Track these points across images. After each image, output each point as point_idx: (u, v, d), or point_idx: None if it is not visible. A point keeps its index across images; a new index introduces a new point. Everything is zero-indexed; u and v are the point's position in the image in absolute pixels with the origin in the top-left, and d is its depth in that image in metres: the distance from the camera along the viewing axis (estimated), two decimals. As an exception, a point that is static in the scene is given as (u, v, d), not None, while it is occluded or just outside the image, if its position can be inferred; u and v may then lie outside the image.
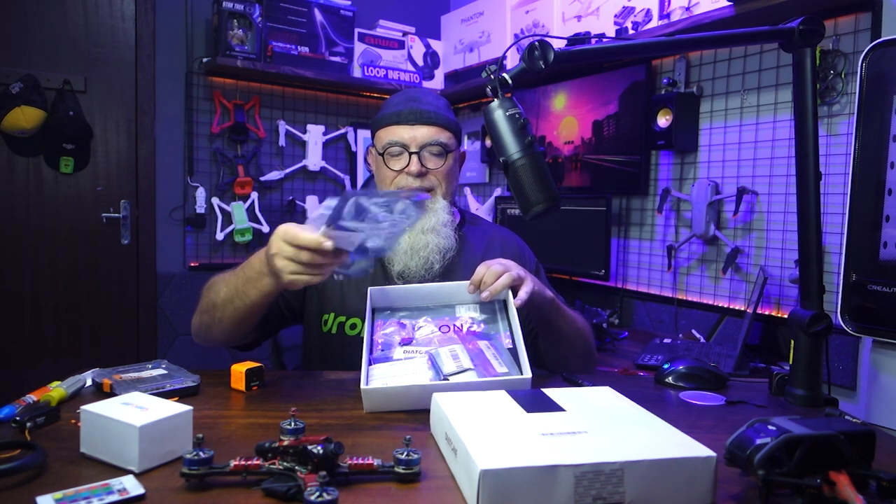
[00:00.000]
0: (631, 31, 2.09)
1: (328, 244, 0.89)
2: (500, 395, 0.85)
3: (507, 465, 0.62)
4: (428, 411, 0.87)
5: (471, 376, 0.96)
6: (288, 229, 0.91)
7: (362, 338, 1.24)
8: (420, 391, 0.92)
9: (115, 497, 0.62)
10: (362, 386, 0.93)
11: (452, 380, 0.95)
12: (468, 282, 1.11)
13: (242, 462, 0.67)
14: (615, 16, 2.15)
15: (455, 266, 1.29)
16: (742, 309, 1.90)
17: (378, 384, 0.95)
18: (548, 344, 1.24)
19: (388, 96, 3.17)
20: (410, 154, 1.27)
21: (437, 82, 3.04)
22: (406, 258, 1.24)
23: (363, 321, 1.23)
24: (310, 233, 0.90)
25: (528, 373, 0.97)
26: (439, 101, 1.34)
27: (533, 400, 0.83)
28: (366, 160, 1.42)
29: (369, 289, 1.13)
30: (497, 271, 1.08)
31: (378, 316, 1.14)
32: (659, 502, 0.65)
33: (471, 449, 0.66)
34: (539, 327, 1.22)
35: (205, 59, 2.72)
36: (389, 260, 1.26)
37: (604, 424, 0.75)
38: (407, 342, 1.06)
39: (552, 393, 0.86)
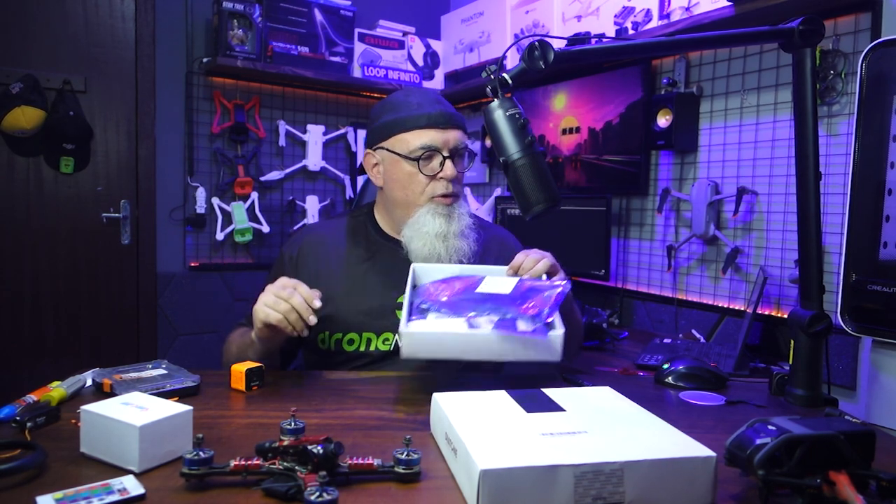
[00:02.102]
0: (631, 31, 2.09)
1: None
2: (500, 395, 0.85)
3: (506, 465, 0.62)
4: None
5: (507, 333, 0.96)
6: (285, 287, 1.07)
7: (361, 351, 1.25)
8: (457, 339, 0.94)
9: (115, 497, 0.62)
10: (402, 329, 0.94)
11: (493, 332, 0.95)
12: (506, 266, 1.16)
13: (242, 462, 0.67)
14: (615, 16, 2.15)
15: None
16: (742, 309, 1.90)
17: (417, 329, 0.97)
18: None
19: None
20: (445, 158, 1.24)
21: (437, 82, 3.04)
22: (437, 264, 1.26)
23: (360, 336, 1.25)
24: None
25: (560, 328, 0.96)
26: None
27: (533, 400, 0.83)
28: (361, 165, 1.36)
29: (413, 265, 1.19)
30: (536, 258, 1.13)
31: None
32: (659, 502, 0.65)
33: (471, 449, 0.66)
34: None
35: (205, 59, 2.72)
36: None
37: (604, 424, 0.75)
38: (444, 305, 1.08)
39: (552, 393, 0.86)
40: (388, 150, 1.27)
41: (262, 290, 1.09)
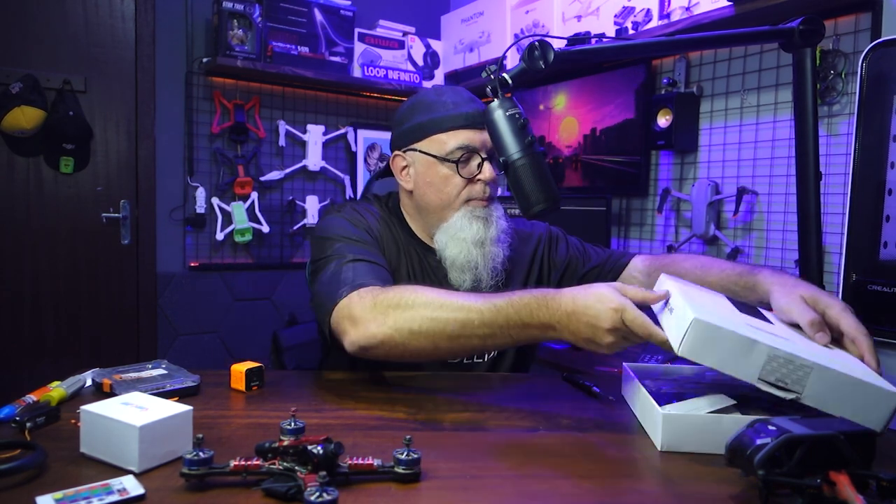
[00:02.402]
0: (631, 31, 2.09)
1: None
2: (720, 297, 0.92)
3: (715, 323, 0.73)
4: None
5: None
6: (634, 318, 0.84)
7: None
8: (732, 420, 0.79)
9: (115, 497, 0.62)
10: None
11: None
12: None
13: (242, 462, 0.67)
14: (615, 16, 2.15)
15: (511, 272, 1.26)
16: (742, 309, 1.90)
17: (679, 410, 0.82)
18: None
19: (388, 97, 3.21)
20: (483, 160, 1.17)
21: (437, 82, 3.04)
22: (479, 272, 1.18)
23: None
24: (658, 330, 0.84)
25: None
26: None
27: (748, 308, 0.90)
28: (389, 167, 1.27)
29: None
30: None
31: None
32: (830, 410, 0.73)
33: (689, 304, 0.76)
34: None
35: (205, 59, 2.72)
36: (460, 277, 1.19)
37: (807, 341, 0.83)
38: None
39: (765, 312, 0.93)
40: (421, 151, 1.20)
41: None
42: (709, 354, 0.74)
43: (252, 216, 2.85)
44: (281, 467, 0.67)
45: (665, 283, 0.90)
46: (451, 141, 1.17)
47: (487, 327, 0.92)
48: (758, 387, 0.74)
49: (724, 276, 1.11)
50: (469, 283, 1.18)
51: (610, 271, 1.30)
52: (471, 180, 1.18)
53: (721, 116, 1.96)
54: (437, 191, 1.19)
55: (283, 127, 2.90)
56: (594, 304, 0.86)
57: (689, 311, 0.76)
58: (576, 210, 2.21)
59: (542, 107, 2.62)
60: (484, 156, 1.18)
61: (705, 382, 0.98)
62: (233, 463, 0.67)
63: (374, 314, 0.96)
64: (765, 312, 0.93)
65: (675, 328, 0.78)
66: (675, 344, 0.77)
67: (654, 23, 2.02)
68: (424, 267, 1.23)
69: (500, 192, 1.27)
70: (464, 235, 1.17)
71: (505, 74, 1.01)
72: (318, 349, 1.44)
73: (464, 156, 1.17)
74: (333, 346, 1.09)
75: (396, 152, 1.25)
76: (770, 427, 0.67)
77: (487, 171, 1.17)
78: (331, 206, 1.24)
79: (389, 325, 0.94)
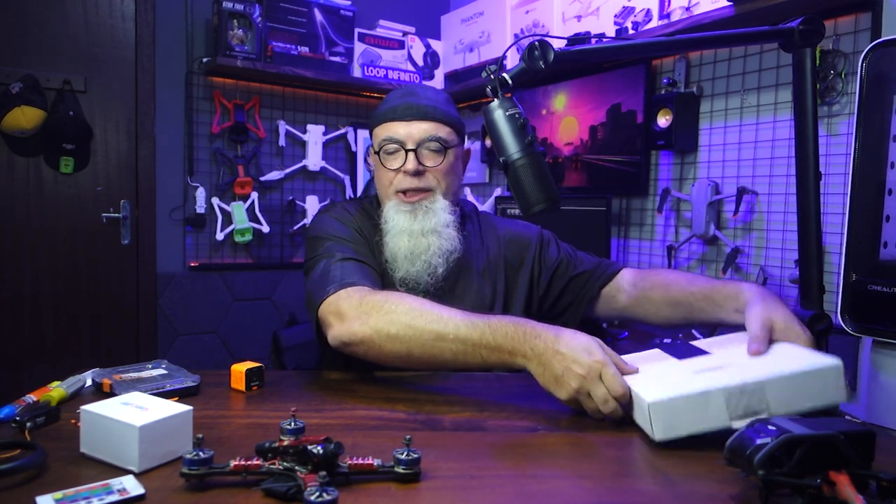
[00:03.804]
0: (631, 31, 2.09)
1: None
2: (656, 352, 0.99)
3: (668, 396, 0.79)
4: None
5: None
6: (614, 374, 0.85)
7: None
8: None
9: (115, 497, 0.62)
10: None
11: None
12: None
13: (242, 462, 0.67)
14: (615, 16, 2.15)
15: (460, 267, 1.26)
16: (742, 309, 1.89)
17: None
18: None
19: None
20: (407, 151, 1.20)
21: (437, 82, 3.04)
22: (407, 264, 1.19)
23: None
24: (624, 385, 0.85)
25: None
26: (439, 95, 1.28)
27: (685, 349, 0.97)
28: (366, 161, 1.38)
29: None
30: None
31: None
32: (799, 406, 0.79)
33: (638, 390, 0.83)
34: None
35: (205, 59, 2.72)
36: (392, 266, 1.22)
37: (743, 355, 0.89)
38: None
39: (698, 343, 0.99)
40: (371, 146, 1.29)
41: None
42: (681, 425, 0.79)
43: (252, 216, 2.85)
44: (281, 467, 0.67)
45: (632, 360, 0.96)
46: (381, 134, 1.23)
47: (461, 343, 0.94)
48: (735, 427, 0.77)
49: (708, 285, 1.15)
50: (402, 272, 1.20)
51: (599, 278, 1.30)
52: (397, 171, 1.21)
53: (721, 116, 1.96)
54: (378, 183, 1.27)
55: (283, 127, 2.90)
56: (579, 349, 0.88)
57: (642, 398, 0.82)
58: (576, 210, 2.21)
59: (543, 111, 2.62)
60: (409, 147, 1.20)
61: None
62: (233, 463, 0.67)
63: (359, 313, 1.01)
64: (698, 343, 0.99)
65: (640, 417, 0.84)
66: (650, 434, 0.81)
67: (654, 23, 2.02)
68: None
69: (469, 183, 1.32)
70: (391, 225, 1.21)
71: (505, 74, 1.01)
72: (317, 348, 1.44)
73: (389, 147, 1.21)
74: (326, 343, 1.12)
75: (369, 145, 1.33)
76: (770, 427, 0.67)
77: (409, 163, 1.19)
78: (323, 207, 1.28)
79: (371, 325, 0.99)
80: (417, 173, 1.20)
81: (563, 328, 0.93)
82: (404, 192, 1.22)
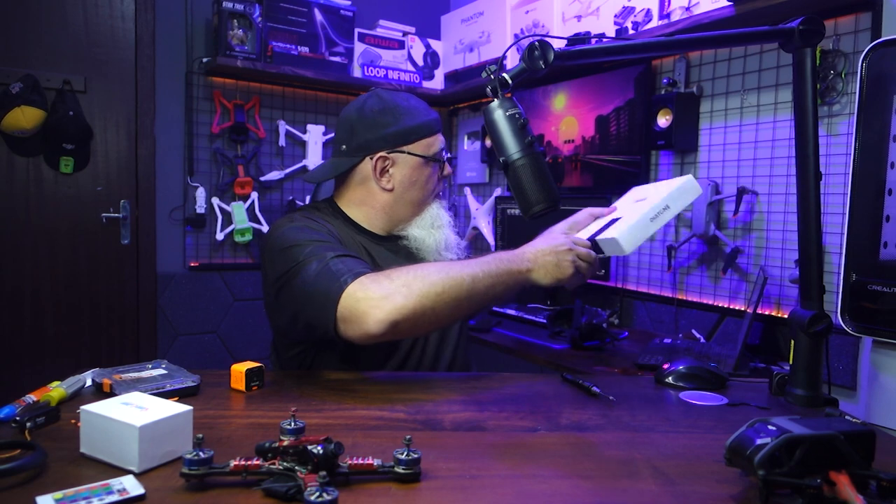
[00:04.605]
0: (631, 31, 2.09)
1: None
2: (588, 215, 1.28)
3: (628, 226, 1.09)
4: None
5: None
6: (576, 245, 1.12)
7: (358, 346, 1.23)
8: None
9: (115, 497, 0.62)
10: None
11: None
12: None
13: (242, 462, 0.67)
14: (615, 16, 2.15)
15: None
16: (742, 309, 1.90)
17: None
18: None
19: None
20: (446, 160, 1.34)
21: (437, 82, 3.04)
22: (456, 249, 1.33)
23: None
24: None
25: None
26: None
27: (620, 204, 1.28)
28: (378, 169, 1.27)
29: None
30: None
31: None
32: (683, 203, 1.11)
33: (602, 237, 1.12)
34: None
35: (205, 59, 2.72)
36: (445, 257, 1.31)
37: (633, 203, 1.20)
38: None
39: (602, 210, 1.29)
40: (410, 153, 1.26)
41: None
42: (636, 239, 1.06)
43: (252, 216, 2.85)
44: (281, 467, 0.67)
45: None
46: (436, 144, 1.31)
47: (490, 277, 1.05)
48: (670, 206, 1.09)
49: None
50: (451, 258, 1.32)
51: None
52: (440, 179, 1.35)
53: (721, 116, 1.96)
54: (421, 188, 1.30)
55: (283, 127, 2.90)
56: (552, 241, 1.13)
57: (610, 238, 1.08)
58: (576, 210, 2.21)
59: (543, 111, 2.62)
60: (448, 156, 1.36)
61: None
62: (233, 463, 0.67)
63: (397, 286, 0.97)
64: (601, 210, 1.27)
65: (610, 251, 1.11)
66: (621, 252, 1.07)
67: (654, 23, 2.02)
68: (383, 257, 1.27)
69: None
70: (441, 223, 1.32)
71: (505, 74, 1.01)
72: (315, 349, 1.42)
73: (442, 157, 1.33)
74: (322, 347, 1.17)
75: (382, 154, 1.25)
76: (770, 427, 0.67)
77: (447, 169, 1.36)
78: (277, 222, 1.21)
79: (416, 292, 0.97)
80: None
81: (536, 238, 1.16)
82: (439, 195, 1.36)
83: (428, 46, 3.03)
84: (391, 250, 1.30)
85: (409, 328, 0.98)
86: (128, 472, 0.69)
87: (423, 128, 1.29)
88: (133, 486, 0.65)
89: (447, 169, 1.36)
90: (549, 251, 1.10)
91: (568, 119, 2.50)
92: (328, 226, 1.21)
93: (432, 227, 1.31)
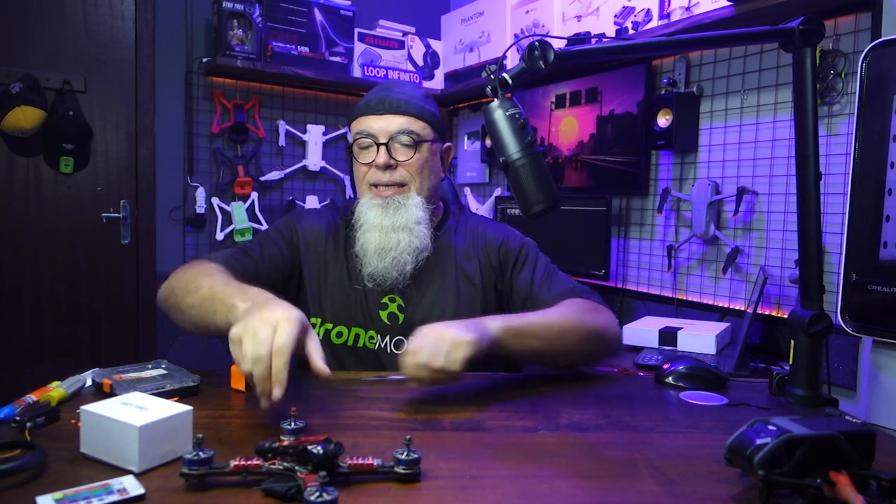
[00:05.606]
0: (631, 31, 2.09)
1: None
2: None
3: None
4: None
5: None
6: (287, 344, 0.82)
7: (348, 346, 1.24)
8: None
9: (115, 497, 0.62)
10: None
11: None
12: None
13: (242, 462, 0.67)
14: (615, 16, 2.15)
15: (430, 267, 1.24)
16: (742, 309, 1.89)
17: None
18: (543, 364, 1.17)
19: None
20: (379, 145, 1.19)
21: (437, 82, 3.04)
22: (376, 259, 1.18)
23: (349, 330, 1.24)
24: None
25: None
26: (417, 91, 1.27)
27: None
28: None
29: None
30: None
31: None
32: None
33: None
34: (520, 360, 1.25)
35: (205, 59, 2.72)
36: (361, 261, 1.21)
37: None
38: None
39: None
40: (351, 139, 1.28)
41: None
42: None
43: (252, 216, 2.85)
44: (281, 467, 0.67)
45: None
46: (356, 128, 1.23)
47: (212, 303, 1.01)
48: None
49: None
50: (370, 268, 1.19)
51: (535, 303, 1.24)
52: (370, 165, 1.21)
53: (721, 116, 1.96)
54: (355, 177, 1.27)
55: (283, 127, 2.90)
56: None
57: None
58: (576, 210, 2.21)
59: (543, 111, 2.62)
60: (382, 141, 1.19)
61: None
62: (233, 463, 0.67)
63: (175, 273, 1.19)
64: None
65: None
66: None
67: (654, 23, 2.02)
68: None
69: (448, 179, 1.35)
70: (364, 220, 1.21)
71: (505, 74, 1.01)
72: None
73: (362, 141, 1.21)
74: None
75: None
76: (770, 427, 0.67)
77: (380, 156, 1.19)
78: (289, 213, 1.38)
79: (165, 285, 1.21)
80: (388, 167, 1.20)
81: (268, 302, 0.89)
82: (376, 185, 1.22)
83: (428, 46, 3.03)
84: None
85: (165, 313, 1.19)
86: (128, 472, 0.69)
87: (354, 111, 1.25)
88: (133, 486, 0.65)
89: (367, 156, 1.21)
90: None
91: (568, 119, 2.50)
92: (314, 223, 1.30)
93: (362, 225, 1.21)
